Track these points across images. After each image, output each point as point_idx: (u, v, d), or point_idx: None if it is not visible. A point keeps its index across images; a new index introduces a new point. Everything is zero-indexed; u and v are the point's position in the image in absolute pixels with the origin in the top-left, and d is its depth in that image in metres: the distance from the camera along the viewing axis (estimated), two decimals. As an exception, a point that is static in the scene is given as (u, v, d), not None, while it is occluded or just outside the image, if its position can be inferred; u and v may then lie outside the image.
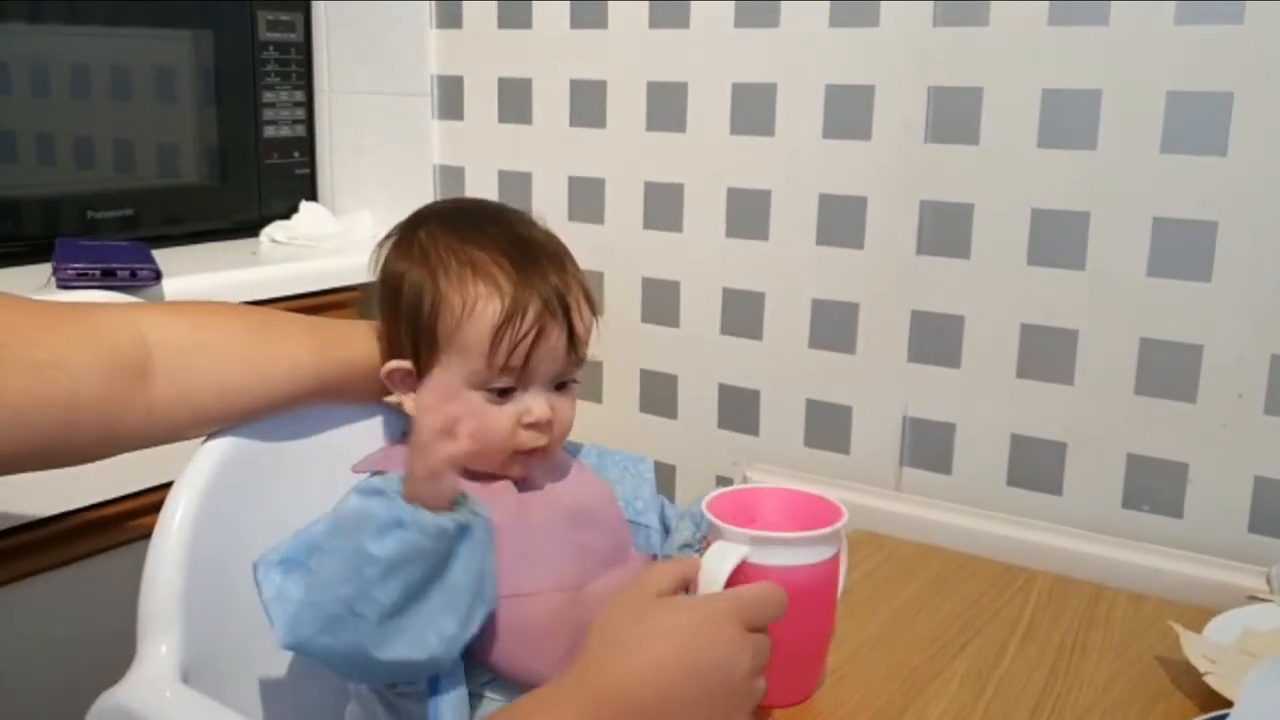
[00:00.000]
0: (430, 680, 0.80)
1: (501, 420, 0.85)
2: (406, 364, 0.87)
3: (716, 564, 0.74)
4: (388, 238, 0.91)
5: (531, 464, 0.88)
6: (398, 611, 0.72)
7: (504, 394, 0.85)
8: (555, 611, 0.83)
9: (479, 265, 0.85)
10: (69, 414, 0.75)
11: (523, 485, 0.89)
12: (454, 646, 0.75)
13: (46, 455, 0.76)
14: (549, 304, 0.84)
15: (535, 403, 0.85)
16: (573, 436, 0.97)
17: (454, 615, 0.74)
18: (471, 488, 0.86)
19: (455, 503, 0.75)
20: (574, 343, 0.86)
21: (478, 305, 0.83)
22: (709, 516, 0.77)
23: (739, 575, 0.74)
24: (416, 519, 0.71)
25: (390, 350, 0.89)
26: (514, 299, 0.83)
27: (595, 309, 0.88)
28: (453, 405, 0.75)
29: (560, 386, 0.87)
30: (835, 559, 0.78)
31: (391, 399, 0.95)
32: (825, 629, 0.79)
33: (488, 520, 0.76)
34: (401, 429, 0.98)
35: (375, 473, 0.86)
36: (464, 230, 0.88)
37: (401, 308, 0.87)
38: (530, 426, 0.85)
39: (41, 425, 0.74)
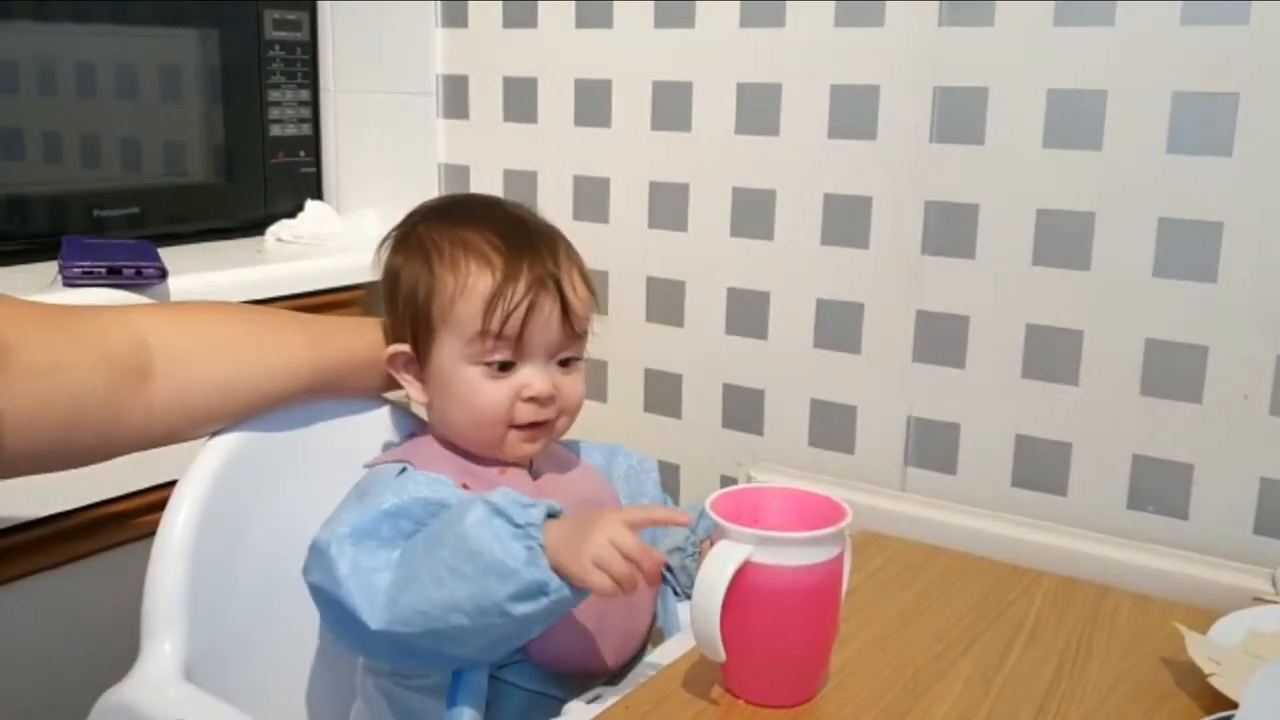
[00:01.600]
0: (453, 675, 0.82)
1: (497, 393, 0.85)
2: (405, 347, 0.89)
3: (720, 564, 0.74)
4: (386, 238, 0.93)
5: (536, 441, 0.88)
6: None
7: (503, 368, 0.85)
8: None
9: (471, 245, 0.86)
10: (72, 416, 0.75)
11: (533, 475, 0.89)
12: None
13: (50, 458, 0.77)
14: (540, 278, 0.85)
15: (535, 377, 0.86)
16: (579, 436, 0.97)
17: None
18: (488, 473, 0.87)
19: None
20: (569, 315, 0.86)
21: (468, 280, 0.85)
22: (713, 516, 0.76)
23: (742, 574, 0.74)
24: (560, 596, 0.73)
25: (394, 336, 0.91)
26: (505, 272, 0.85)
27: (591, 285, 0.90)
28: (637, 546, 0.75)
29: (564, 364, 0.88)
30: (839, 559, 0.77)
31: (399, 394, 0.95)
32: (828, 629, 0.79)
33: None
34: (408, 425, 0.98)
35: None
36: (458, 217, 0.90)
37: (400, 297, 0.89)
38: (529, 400, 0.86)
39: (46, 428, 0.74)
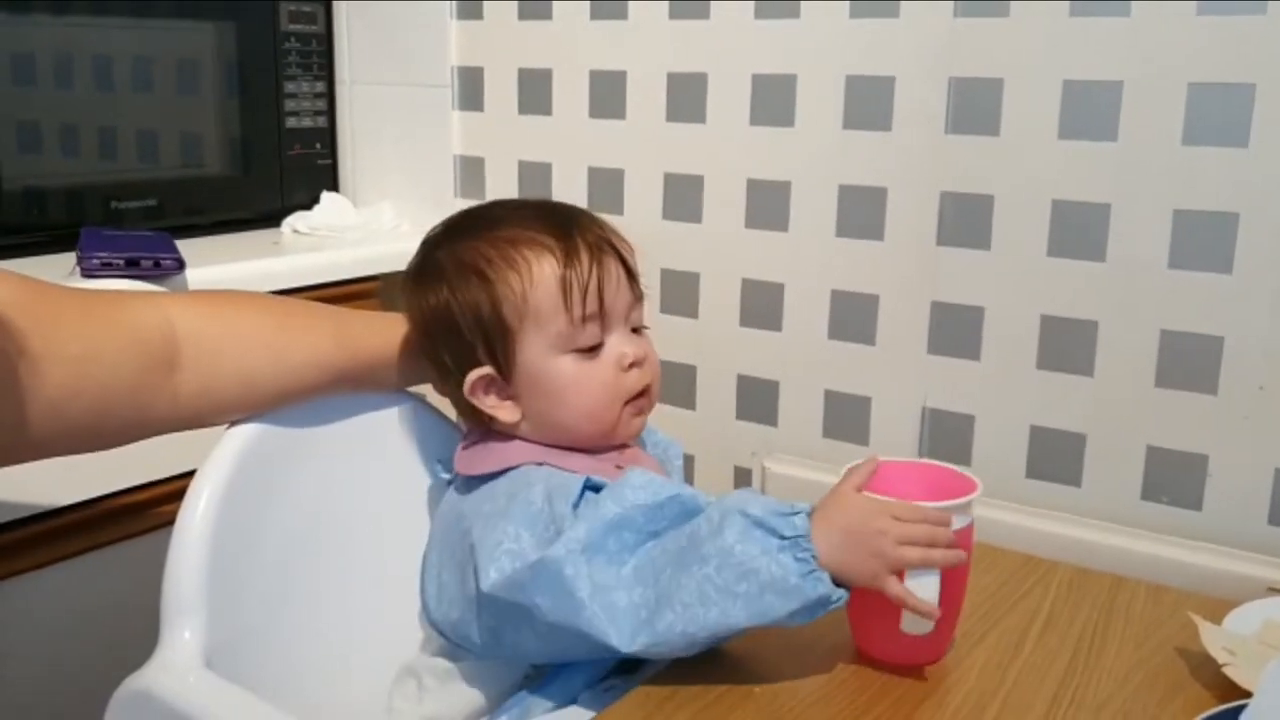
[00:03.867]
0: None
1: (601, 372, 0.85)
2: (486, 369, 0.86)
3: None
4: (409, 280, 0.90)
5: (644, 413, 0.88)
6: None
7: (592, 350, 0.85)
8: None
9: (516, 239, 0.85)
10: (101, 404, 0.76)
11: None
12: None
13: (77, 442, 0.78)
14: (597, 243, 0.85)
15: (624, 344, 0.86)
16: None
17: None
18: (609, 460, 0.87)
19: None
20: (631, 274, 0.87)
21: (532, 269, 0.84)
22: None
23: None
24: (840, 602, 0.75)
25: (465, 370, 0.87)
26: (564, 249, 0.84)
27: (629, 242, 0.89)
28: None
29: (634, 331, 0.88)
30: (971, 527, 0.81)
31: (422, 388, 0.94)
32: (962, 592, 0.82)
33: None
34: (430, 418, 0.98)
35: (500, 472, 0.84)
36: (481, 223, 0.88)
37: (461, 325, 0.85)
38: (631, 367, 0.85)
39: (75, 415, 0.75)
